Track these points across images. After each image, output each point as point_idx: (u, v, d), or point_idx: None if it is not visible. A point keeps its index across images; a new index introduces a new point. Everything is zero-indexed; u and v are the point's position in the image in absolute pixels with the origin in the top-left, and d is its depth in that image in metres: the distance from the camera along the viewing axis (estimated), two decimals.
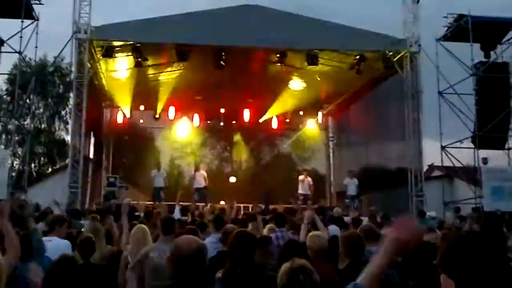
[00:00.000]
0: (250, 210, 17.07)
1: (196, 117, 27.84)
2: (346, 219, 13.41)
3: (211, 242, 7.44)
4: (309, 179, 23.21)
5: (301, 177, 23.27)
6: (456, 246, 2.25)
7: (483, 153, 22.40)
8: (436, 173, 27.03)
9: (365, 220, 12.74)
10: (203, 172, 22.97)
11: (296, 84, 24.38)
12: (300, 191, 22.68)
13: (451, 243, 2.28)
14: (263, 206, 17.70)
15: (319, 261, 5.75)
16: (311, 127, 30.04)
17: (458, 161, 22.75)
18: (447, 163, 22.90)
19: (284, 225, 9.13)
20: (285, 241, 7.64)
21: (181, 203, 14.41)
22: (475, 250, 2.22)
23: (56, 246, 6.57)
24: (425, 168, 23.27)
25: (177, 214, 12.36)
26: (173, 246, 3.62)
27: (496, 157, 22.92)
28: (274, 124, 28.67)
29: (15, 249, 4.83)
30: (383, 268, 2.70)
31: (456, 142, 22.98)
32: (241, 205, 20.50)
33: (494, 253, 2.23)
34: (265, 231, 8.71)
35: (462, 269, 2.20)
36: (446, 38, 22.82)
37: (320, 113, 29.58)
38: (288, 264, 3.96)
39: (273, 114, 28.09)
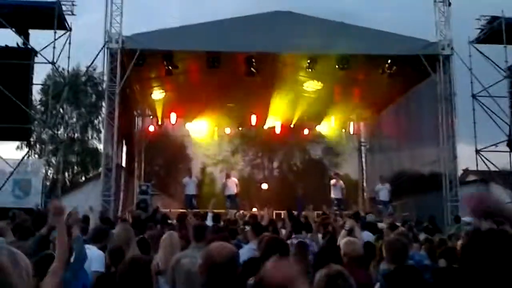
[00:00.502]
0: (282, 216, 17.06)
1: (227, 124, 27.86)
2: (380, 225, 13.27)
3: (250, 249, 7.40)
4: (341, 182, 23.10)
5: (333, 181, 23.19)
6: (471, 241, 2.29)
7: None
8: (471, 177, 26.69)
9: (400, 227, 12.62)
10: (234, 179, 22.99)
11: (327, 89, 24.27)
12: (332, 195, 22.57)
13: (469, 238, 2.32)
14: (296, 213, 17.60)
15: (353, 267, 5.68)
16: (344, 132, 29.88)
17: (494, 165, 22.39)
18: (482, 167, 22.56)
19: (301, 232, 9.07)
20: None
21: (214, 210, 14.45)
22: (487, 246, 2.22)
23: (89, 256, 6.61)
24: (459, 172, 22.95)
25: (209, 221, 12.35)
26: (205, 253, 3.58)
27: None
28: (306, 130, 28.59)
29: (64, 256, 4.84)
30: None
31: (491, 145, 22.61)
32: (274, 211, 20.53)
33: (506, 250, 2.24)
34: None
35: (473, 263, 2.28)
36: (479, 40, 22.50)
37: (352, 118, 29.40)
38: (325, 270, 3.92)
39: (305, 120, 28.00)
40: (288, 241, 7.92)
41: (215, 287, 3.39)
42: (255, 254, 6.85)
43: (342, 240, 6.39)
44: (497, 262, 2.19)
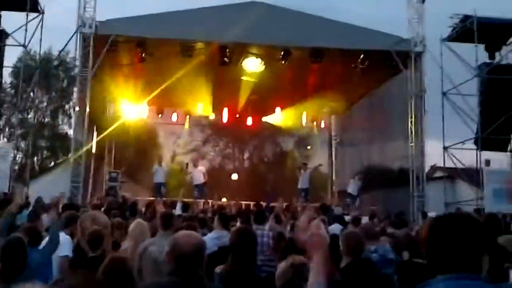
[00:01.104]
0: (251, 207, 17.17)
1: (199, 113, 27.79)
2: (347, 218, 13.42)
3: (212, 238, 7.47)
4: (308, 172, 23.00)
5: (300, 172, 23.16)
6: (425, 228, 2.39)
7: (485, 154, 22.35)
8: (438, 174, 27.02)
9: (365, 219, 12.78)
10: (201, 168, 22.70)
11: (298, 81, 24.34)
12: (299, 186, 22.52)
13: (423, 227, 2.42)
14: (265, 204, 17.70)
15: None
16: (314, 125, 30.01)
17: (461, 162, 22.71)
18: (449, 164, 22.87)
19: (264, 223, 9.14)
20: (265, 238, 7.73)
21: (183, 200, 14.48)
22: (440, 231, 2.35)
23: None
24: (427, 168, 23.24)
25: (178, 210, 12.39)
26: (172, 242, 3.62)
27: (498, 159, 22.89)
28: (277, 122, 28.68)
29: None
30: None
31: (459, 143, 22.93)
32: (243, 202, 20.62)
33: (458, 231, 2.32)
34: None
35: (431, 249, 2.36)
36: (451, 38, 22.75)
37: (323, 112, 29.52)
38: (289, 261, 3.99)
39: (276, 112, 28.09)
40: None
41: (181, 276, 3.43)
42: (217, 243, 6.94)
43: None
44: (460, 244, 2.29)
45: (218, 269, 5.10)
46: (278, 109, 27.58)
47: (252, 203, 19.53)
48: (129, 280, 4.23)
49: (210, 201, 21.03)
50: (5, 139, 31.56)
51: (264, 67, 22.42)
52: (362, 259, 5.37)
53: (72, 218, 7.28)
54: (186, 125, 28.65)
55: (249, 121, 28.46)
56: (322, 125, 30.44)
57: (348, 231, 6.09)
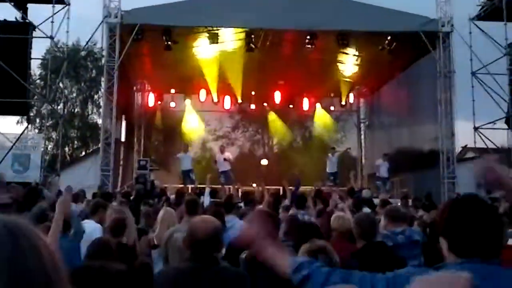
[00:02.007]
0: (281, 193, 17.15)
1: (227, 100, 27.81)
2: (376, 201, 13.34)
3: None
4: (336, 155, 22.97)
5: (328, 156, 23.09)
6: (445, 208, 2.39)
7: None
8: (470, 154, 26.70)
9: (395, 202, 12.69)
10: (227, 154, 22.26)
11: (327, 65, 24.22)
12: (328, 170, 22.49)
13: (444, 206, 2.42)
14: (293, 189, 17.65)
15: (342, 243, 5.75)
16: (343, 109, 29.90)
17: (492, 142, 22.41)
18: (480, 144, 22.57)
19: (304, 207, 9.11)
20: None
21: (212, 186, 14.50)
22: (461, 213, 2.35)
23: (90, 228, 6.77)
24: (458, 150, 22.99)
25: (206, 196, 12.42)
26: (188, 228, 3.64)
27: None
28: (306, 106, 28.61)
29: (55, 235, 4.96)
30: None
31: (490, 123, 22.62)
32: (272, 187, 20.57)
33: (479, 216, 2.33)
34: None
35: (450, 230, 2.35)
36: (479, 17, 22.39)
37: (352, 95, 29.38)
38: (308, 245, 3.98)
39: (304, 97, 28.04)
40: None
41: (199, 261, 3.45)
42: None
43: (333, 216, 6.47)
44: (476, 227, 2.30)
45: (243, 254, 5.11)
46: (306, 93, 27.54)
47: (281, 188, 19.51)
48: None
49: (237, 186, 20.97)
50: (36, 130, 32.00)
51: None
52: (375, 242, 5.35)
53: (99, 205, 7.36)
54: (215, 112, 28.73)
55: (277, 106, 28.42)
56: (352, 109, 30.35)
57: (360, 214, 6.07)
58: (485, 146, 22.40)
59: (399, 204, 12.60)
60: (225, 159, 21.02)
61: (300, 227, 5.84)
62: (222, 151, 22.18)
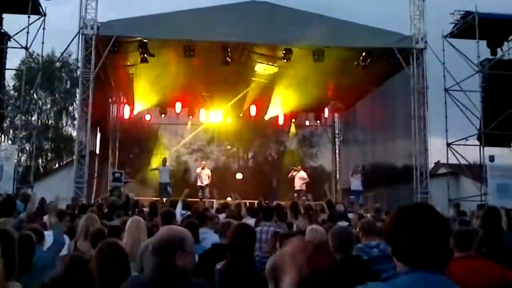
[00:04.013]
0: (256, 206, 17.18)
1: (203, 113, 27.86)
2: (350, 215, 13.43)
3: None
4: (302, 173, 23.17)
5: (293, 173, 23.28)
6: (392, 218, 2.42)
7: (488, 150, 22.28)
8: (442, 170, 26.97)
9: (369, 216, 12.78)
10: (207, 171, 23.09)
11: (301, 80, 24.36)
12: (296, 187, 22.74)
13: (391, 216, 2.44)
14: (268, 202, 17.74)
15: (316, 255, 5.78)
16: (318, 124, 30.08)
17: (464, 158, 22.67)
18: (453, 160, 22.82)
19: (271, 219, 9.13)
20: (269, 234, 7.71)
21: (187, 199, 14.46)
22: (406, 222, 2.35)
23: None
24: (431, 165, 23.21)
25: (179, 209, 12.38)
26: (154, 238, 3.70)
27: (502, 155, 22.82)
28: (281, 121, 28.70)
29: None
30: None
31: (462, 139, 22.88)
32: (247, 201, 20.64)
33: (425, 225, 2.32)
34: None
35: (395, 239, 2.36)
36: (452, 35, 22.71)
37: (326, 110, 29.57)
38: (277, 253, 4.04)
39: (279, 111, 28.12)
40: (257, 229, 8.01)
41: (161, 270, 3.50)
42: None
43: (307, 228, 6.50)
44: (424, 237, 2.31)
45: (218, 265, 5.14)
46: (280, 108, 27.62)
47: (256, 202, 19.59)
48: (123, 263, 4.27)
49: (213, 200, 21.14)
50: (9, 141, 31.67)
51: (274, 68, 22.59)
52: (352, 256, 5.41)
53: (64, 214, 7.41)
54: (190, 125, 28.71)
55: (253, 120, 28.49)
56: (326, 124, 30.54)
57: (336, 228, 6.11)
58: (458, 162, 22.66)
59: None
60: (208, 177, 22.33)
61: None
62: (203, 167, 22.78)
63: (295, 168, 23.68)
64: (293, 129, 30.00)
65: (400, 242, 2.34)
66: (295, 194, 22.16)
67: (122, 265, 4.17)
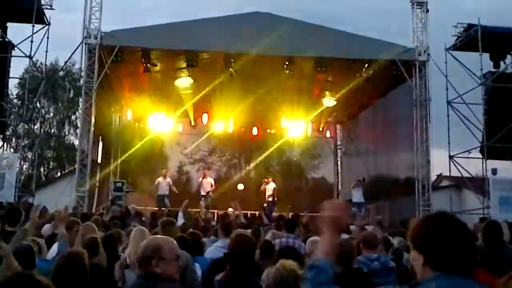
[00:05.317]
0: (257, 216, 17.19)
1: (205, 123, 27.85)
2: (352, 227, 13.38)
3: (217, 246, 7.50)
4: (272, 184, 23.18)
5: (264, 186, 23.31)
6: (424, 223, 2.45)
7: (491, 163, 22.24)
8: (445, 183, 26.94)
9: (370, 228, 12.74)
10: (210, 179, 23.06)
11: (303, 91, 24.38)
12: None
13: (421, 222, 2.48)
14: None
15: None
16: (320, 135, 30.04)
17: (467, 171, 22.62)
18: (455, 173, 22.77)
19: (293, 232, 9.07)
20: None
21: (188, 209, 14.48)
22: (441, 228, 2.41)
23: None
24: (433, 177, 23.18)
25: (179, 220, 12.38)
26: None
27: (504, 168, 22.78)
28: (282, 132, 28.66)
29: None
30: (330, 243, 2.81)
31: (465, 152, 22.84)
32: (248, 212, 20.67)
33: (458, 231, 2.41)
34: (268, 237, 8.66)
35: (429, 245, 2.41)
36: (455, 47, 22.70)
37: (329, 121, 29.55)
38: (276, 265, 4.04)
39: (282, 122, 28.09)
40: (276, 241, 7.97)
41: (145, 278, 3.57)
42: (222, 251, 6.95)
43: (309, 240, 6.49)
44: (456, 243, 2.37)
45: (218, 276, 5.13)
46: (283, 119, 27.61)
47: (257, 213, 19.62)
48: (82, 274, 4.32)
49: (215, 211, 21.18)
50: (11, 150, 31.74)
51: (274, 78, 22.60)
52: (353, 268, 5.39)
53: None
54: (191, 135, 28.76)
55: (255, 131, 28.49)
56: (328, 135, 30.49)
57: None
58: (460, 175, 22.62)
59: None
60: (211, 185, 22.36)
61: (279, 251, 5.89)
62: (205, 176, 22.79)
63: (266, 180, 23.65)
64: (294, 140, 29.97)
65: (435, 247, 2.39)
66: (265, 205, 22.22)
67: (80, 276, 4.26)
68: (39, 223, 8.98)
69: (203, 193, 22.36)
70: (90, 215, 13.73)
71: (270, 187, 22.97)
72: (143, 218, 14.96)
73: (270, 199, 22.57)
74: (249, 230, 8.87)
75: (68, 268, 4.28)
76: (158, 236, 4.15)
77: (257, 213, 19.66)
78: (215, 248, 7.48)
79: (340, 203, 2.89)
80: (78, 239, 6.66)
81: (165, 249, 3.65)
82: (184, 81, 23.38)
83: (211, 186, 22.53)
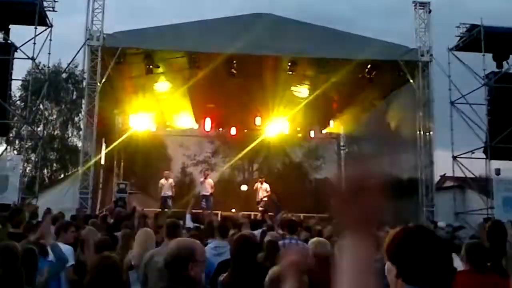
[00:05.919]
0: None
1: (208, 125, 27.81)
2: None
3: (210, 248, 7.44)
4: (265, 185, 23.21)
5: (256, 185, 23.37)
6: (398, 235, 2.44)
7: (494, 163, 22.22)
8: (448, 183, 26.87)
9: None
10: (210, 180, 23.03)
11: (307, 92, 24.36)
12: (257, 199, 22.85)
13: (395, 233, 2.47)
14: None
15: (324, 267, 5.75)
16: (323, 136, 30.01)
17: (470, 171, 22.57)
18: (459, 173, 22.73)
19: (295, 233, 9.06)
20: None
21: (192, 211, 14.47)
22: (413, 241, 2.43)
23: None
24: (437, 178, 23.13)
25: (188, 222, 12.41)
26: (167, 250, 3.73)
27: (508, 168, 22.73)
28: (286, 133, 28.61)
29: None
30: None
31: (468, 152, 22.80)
32: (252, 213, 20.69)
33: (431, 246, 2.41)
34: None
35: (401, 257, 2.42)
36: (458, 48, 22.70)
37: (332, 122, 29.49)
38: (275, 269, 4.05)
39: (285, 123, 28.03)
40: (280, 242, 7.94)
41: (171, 281, 3.53)
42: (214, 253, 6.95)
43: (313, 240, 6.47)
44: (428, 256, 2.35)
45: (221, 277, 5.12)
46: (286, 120, 27.56)
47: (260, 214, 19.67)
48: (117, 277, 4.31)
49: (218, 212, 21.16)
50: (15, 152, 31.70)
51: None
52: None
53: (61, 227, 7.42)
54: (194, 136, 28.77)
55: (258, 132, 28.46)
56: (331, 136, 30.46)
57: None
58: (464, 175, 22.58)
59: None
60: (211, 186, 22.27)
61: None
62: (206, 176, 22.75)
63: (260, 180, 23.65)
64: (298, 141, 29.97)
65: (407, 262, 2.39)
66: (257, 205, 22.32)
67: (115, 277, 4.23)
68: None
69: (204, 193, 22.34)
70: (93, 217, 13.77)
71: (264, 187, 22.96)
72: (147, 220, 14.93)
73: (266, 199, 22.56)
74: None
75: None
76: (186, 238, 4.12)
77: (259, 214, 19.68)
78: (207, 250, 7.43)
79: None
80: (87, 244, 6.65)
81: (198, 252, 3.65)
82: (186, 83, 23.36)
83: (211, 187, 22.54)
